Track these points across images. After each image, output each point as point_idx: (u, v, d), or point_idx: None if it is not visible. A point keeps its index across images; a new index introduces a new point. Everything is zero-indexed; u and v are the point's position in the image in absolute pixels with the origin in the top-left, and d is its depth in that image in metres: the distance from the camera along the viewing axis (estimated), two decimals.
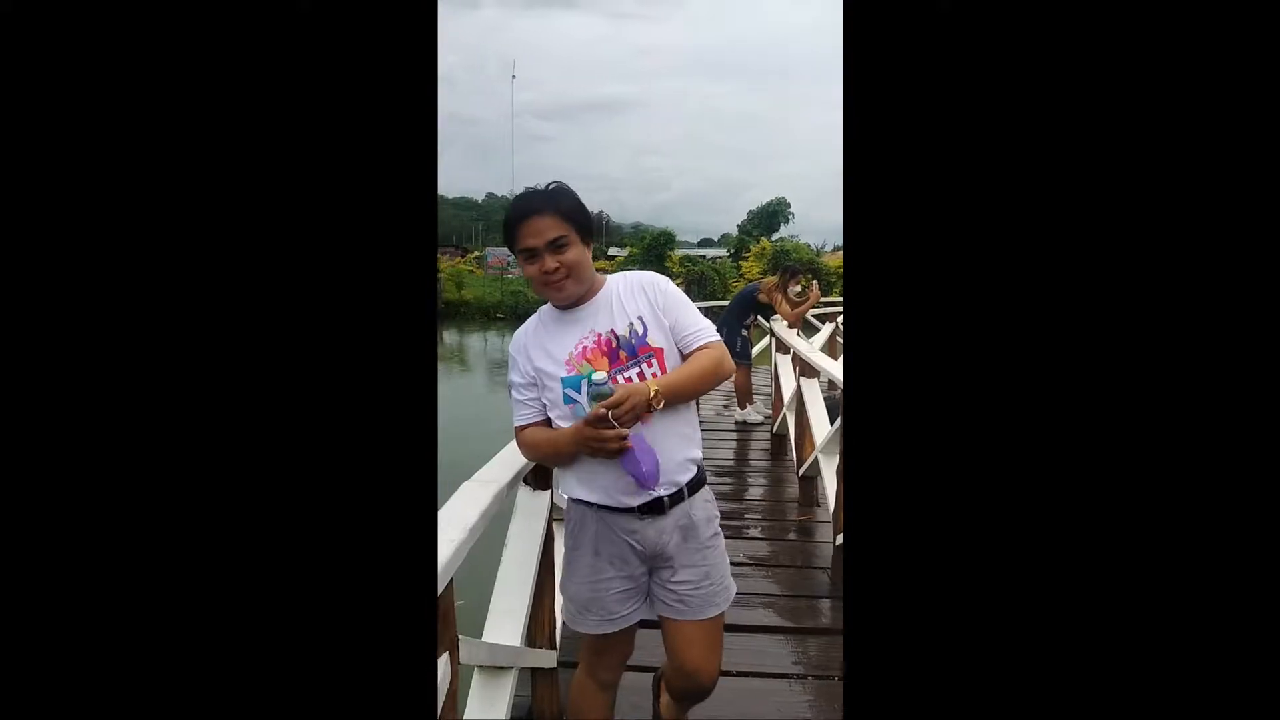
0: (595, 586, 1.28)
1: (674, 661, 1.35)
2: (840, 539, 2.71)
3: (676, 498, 1.25)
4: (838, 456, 2.85)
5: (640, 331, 1.23)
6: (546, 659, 1.75)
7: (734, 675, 1.96)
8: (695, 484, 1.28)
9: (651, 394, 1.15)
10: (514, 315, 21.87)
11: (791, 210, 39.14)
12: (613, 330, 1.22)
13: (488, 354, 17.10)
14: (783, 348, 4.70)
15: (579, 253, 1.22)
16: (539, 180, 1.27)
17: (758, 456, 4.52)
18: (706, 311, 1.41)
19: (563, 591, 1.36)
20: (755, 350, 5.65)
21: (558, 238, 1.19)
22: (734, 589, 1.35)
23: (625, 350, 1.22)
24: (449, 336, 19.77)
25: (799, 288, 5.09)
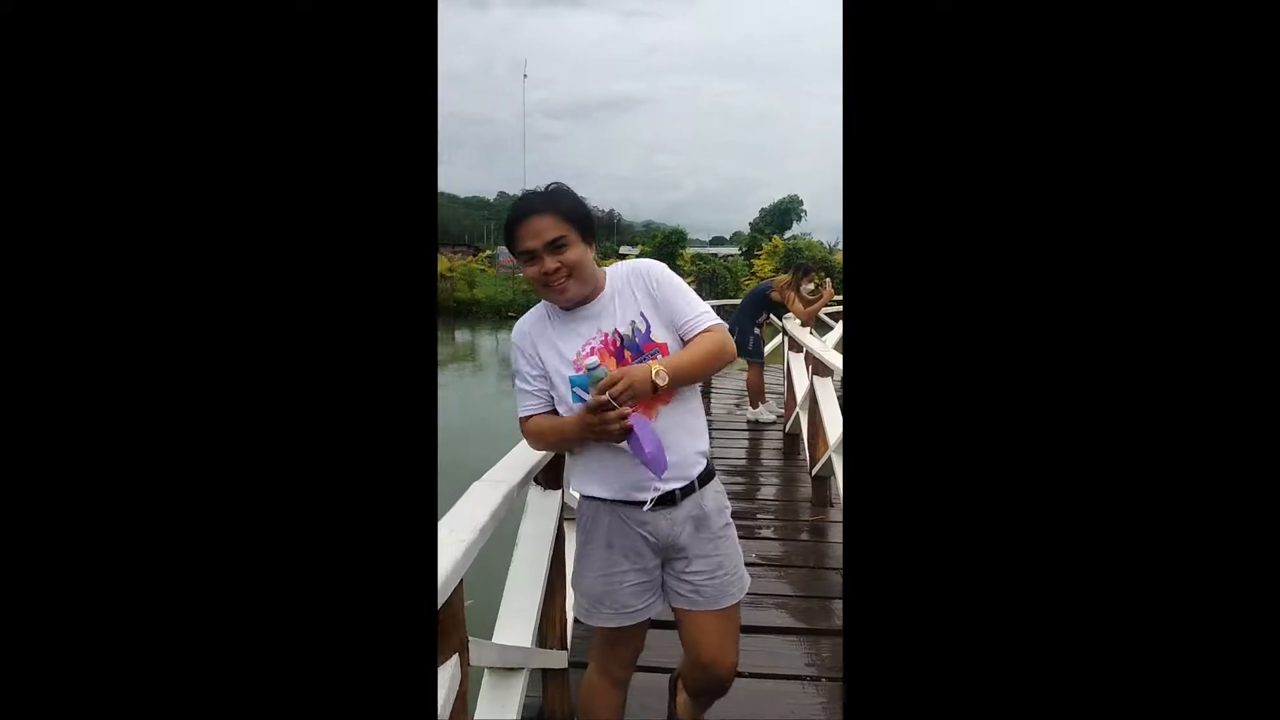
0: (609, 580, 1.28)
1: (691, 654, 1.34)
2: None
3: (688, 489, 1.25)
4: None
5: (643, 329, 1.23)
6: (558, 659, 1.74)
7: (746, 676, 1.94)
8: (705, 476, 1.28)
9: (654, 373, 1.13)
10: (524, 313, 21.90)
11: (804, 208, 39.05)
12: (616, 330, 1.22)
13: (499, 352, 17.14)
14: (795, 346, 4.67)
15: (580, 252, 1.20)
16: (551, 179, 1.27)
17: (770, 456, 4.49)
18: (718, 310, 1.40)
19: (575, 587, 1.36)
20: (767, 349, 5.62)
21: (557, 238, 1.18)
22: (748, 580, 1.34)
23: (630, 349, 1.22)
24: (460, 335, 19.86)
25: (812, 285, 5.06)
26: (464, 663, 1.03)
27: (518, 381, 1.29)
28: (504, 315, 22.70)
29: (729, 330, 1.29)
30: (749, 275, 24.91)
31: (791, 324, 4.96)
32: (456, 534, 1.04)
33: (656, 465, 1.15)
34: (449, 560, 0.96)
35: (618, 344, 1.22)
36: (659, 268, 1.27)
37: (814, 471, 3.68)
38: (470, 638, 1.07)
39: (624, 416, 1.12)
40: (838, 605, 2.47)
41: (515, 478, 1.37)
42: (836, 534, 3.06)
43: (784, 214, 38.68)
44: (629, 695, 1.44)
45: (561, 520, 1.76)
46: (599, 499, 1.27)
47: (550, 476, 1.71)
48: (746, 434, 4.98)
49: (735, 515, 1.39)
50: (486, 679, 1.44)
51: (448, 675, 0.97)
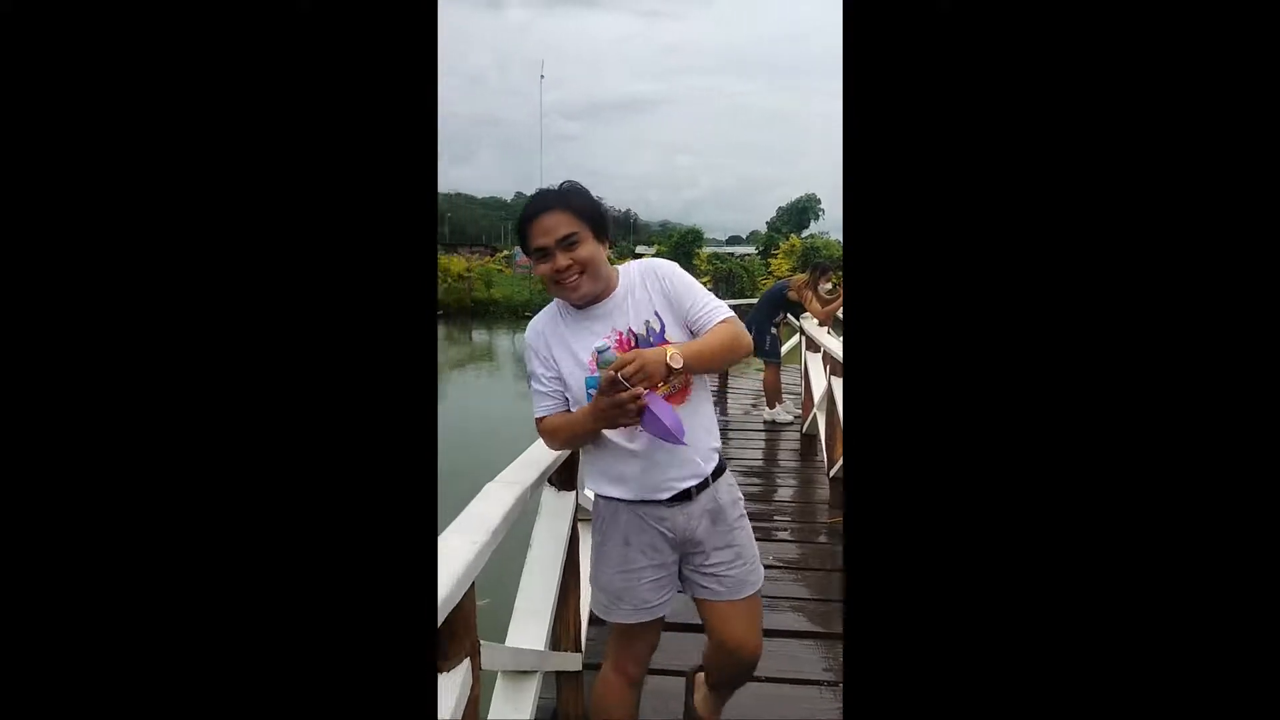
0: (627, 576, 1.28)
1: (715, 639, 1.36)
2: None
3: (703, 485, 1.27)
4: None
5: (657, 328, 1.22)
6: (572, 662, 1.72)
7: (762, 681, 1.91)
8: (718, 470, 1.30)
9: (669, 355, 1.13)
10: None
11: (822, 207, 38.78)
12: (630, 329, 1.22)
13: (516, 352, 17.21)
14: (813, 346, 4.62)
15: (591, 249, 1.20)
16: (567, 179, 1.25)
17: (787, 457, 4.45)
18: (735, 309, 1.39)
19: (594, 583, 1.36)
20: (785, 348, 5.58)
21: (568, 235, 1.18)
22: (763, 572, 1.37)
23: (644, 348, 1.21)
24: (478, 335, 19.97)
25: (830, 285, 5.01)
26: (475, 667, 1.01)
27: (533, 382, 1.29)
28: (520, 315, 22.78)
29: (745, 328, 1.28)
30: (766, 275, 24.79)
31: (809, 324, 4.92)
32: (468, 536, 1.03)
33: (677, 435, 1.14)
34: (460, 563, 0.94)
35: (632, 343, 1.22)
36: (671, 266, 1.27)
37: (831, 473, 3.64)
38: (482, 641, 1.05)
39: (637, 396, 1.11)
40: None
41: (529, 478, 1.36)
42: None
43: (801, 213, 38.48)
44: (641, 697, 1.43)
45: (576, 521, 1.74)
46: (616, 499, 1.27)
47: (564, 477, 1.70)
48: (763, 435, 4.94)
49: (752, 517, 1.40)
50: (500, 682, 1.43)
51: (459, 679, 0.95)
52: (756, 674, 1.41)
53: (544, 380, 1.27)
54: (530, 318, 1.36)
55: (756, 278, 24.68)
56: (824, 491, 3.66)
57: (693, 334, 1.24)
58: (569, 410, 1.27)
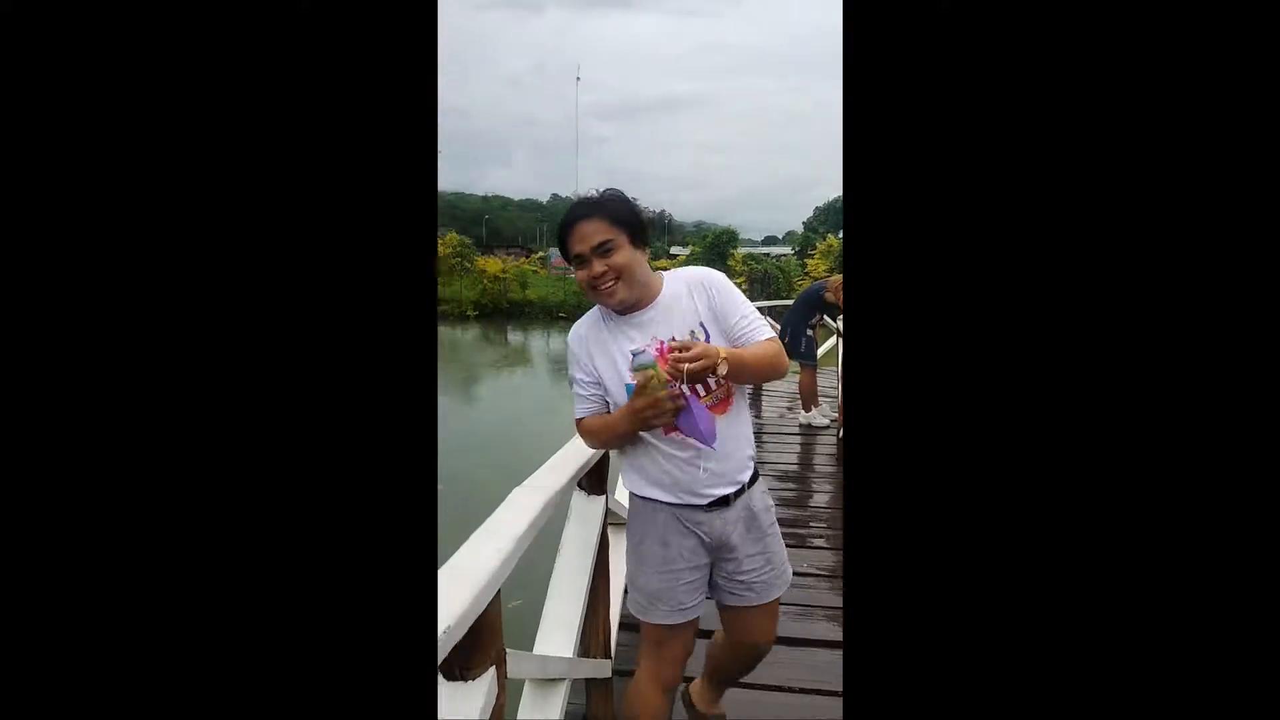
0: (666, 577, 1.30)
1: (735, 639, 1.42)
2: None
3: (739, 491, 1.29)
4: None
5: (702, 339, 1.23)
6: (601, 669, 1.70)
7: (794, 692, 1.87)
8: (752, 478, 1.33)
9: (721, 357, 1.14)
10: (576, 314, 21.98)
11: None
12: (674, 338, 1.22)
13: (550, 353, 17.32)
14: None
15: (628, 255, 1.21)
16: (603, 180, 1.28)
17: (823, 462, 4.37)
18: (769, 311, 1.40)
19: (632, 583, 1.37)
20: (821, 351, 5.49)
21: (603, 242, 1.19)
22: (790, 571, 1.41)
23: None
24: (513, 336, 20.15)
25: None
26: (501, 675, 1.00)
27: (574, 386, 1.32)
28: (555, 316, 22.96)
29: (780, 332, 1.27)
30: (802, 275, 24.52)
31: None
32: (494, 543, 1.01)
33: (709, 437, 1.16)
34: (485, 571, 0.93)
35: (674, 351, 1.20)
36: (721, 278, 1.28)
37: None
38: (509, 650, 1.04)
39: (677, 395, 1.13)
40: None
41: (558, 483, 1.34)
42: None
43: (839, 213, 37.98)
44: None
45: (606, 526, 1.72)
46: (654, 500, 1.29)
47: (594, 481, 1.68)
48: (799, 439, 4.86)
49: (786, 523, 1.44)
50: (527, 689, 1.41)
51: (484, 688, 0.94)
52: (788, 684, 1.39)
53: (583, 384, 1.29)
54: (564, 318, 1.37)
55: (793, 279, 24.42)
56: None
57: (734, 344, 1.25)
58: (608, 412, 1.29)
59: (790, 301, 6.26)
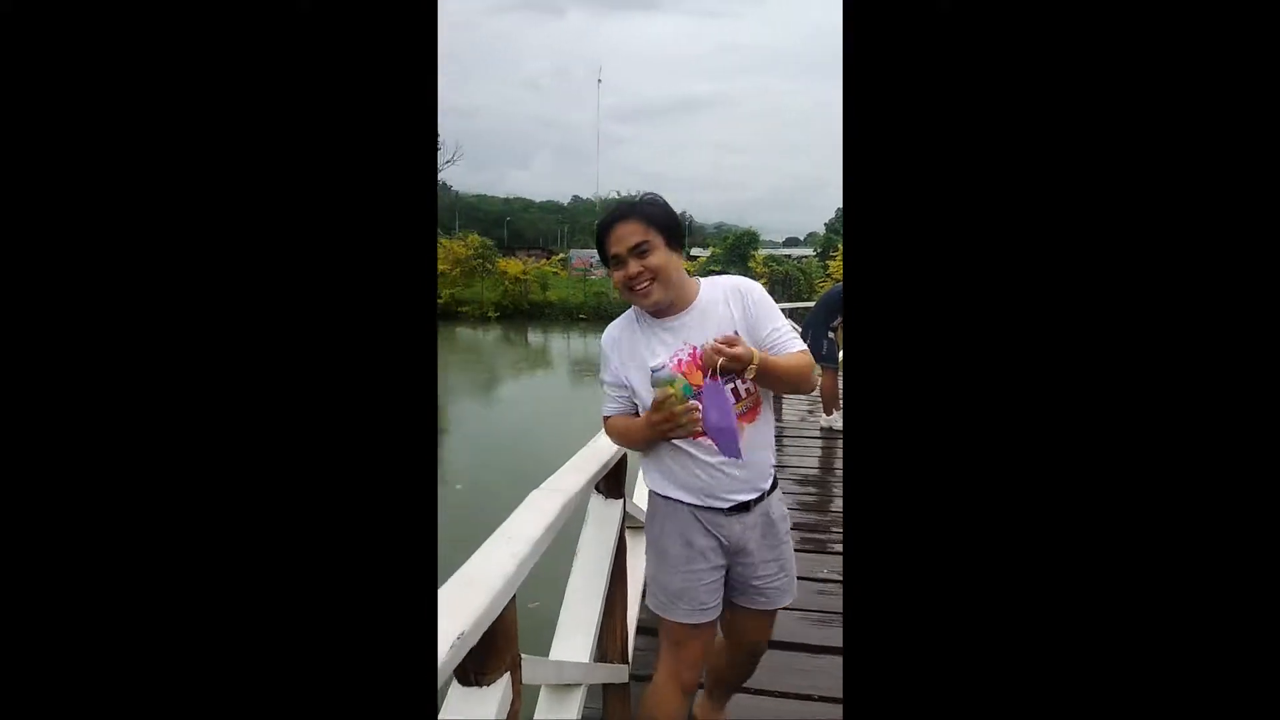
0: (688, 576, 1.32)
1: (737, 640, 1.46)
2: None
3: (759, 498, 1.32)
4: None
5: None
6: (619, 674, 1.69)
7: (814, 700, 1.85)
8: (773, 484, 1.36)
9: (755, 360, 1.17)
10: (596, 316, 22.14)
11: None
12: (705, 345, 1.22)
13: (570, 354, 17.36)
14: None
15: (664, 258, 1.23)
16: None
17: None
18: (792, 313, 1.39)
19: (653, 581, 1.38)
20: (842, 354, 5.43)
21: (640, 243, 1.21)
22: (795, 579, 1.44)
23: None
24: (534, 337, 20.24)
25: None
26: (516, 681, 0.99)
27: (604, 387, 1.36)
28: (575, 317, 23.01)
29: (801, 334, 1.26)
30: (824, 277, 24.26)
31: None
32: (509, 547, 1.01)
33: (732, 438, 1.19)
34: (500, 576, 0.92)
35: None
36: (759, 289, 1.30)
37: None
38: (525, 655, 1.03)
39: (694, 410, 1.17)
40: None
41: (575, 486, 1.33)
42: None
43: None
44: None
45: (623, 529, 1.71)
46: (676, 500, 1.31)
47: (612, 484, 1.67)
48: (820, 443, 4.81)
49: (806, 528, 1.45)
50: (543, 695, 1.40)
51: (498, 694, 0.93)
52: (808, 692, 1.48)
53: (612, 385, 1.34)
54: (584, 320, 1.40)
55: (814, 280, 24.22)
56: None
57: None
58: (635, 411, 1.33)
59: (812, 303, 6.20)
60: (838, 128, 0.62)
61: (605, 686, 1.68)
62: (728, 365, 1.15)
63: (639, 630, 2.05)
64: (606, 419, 1.38)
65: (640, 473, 2.38)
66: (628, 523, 1.73)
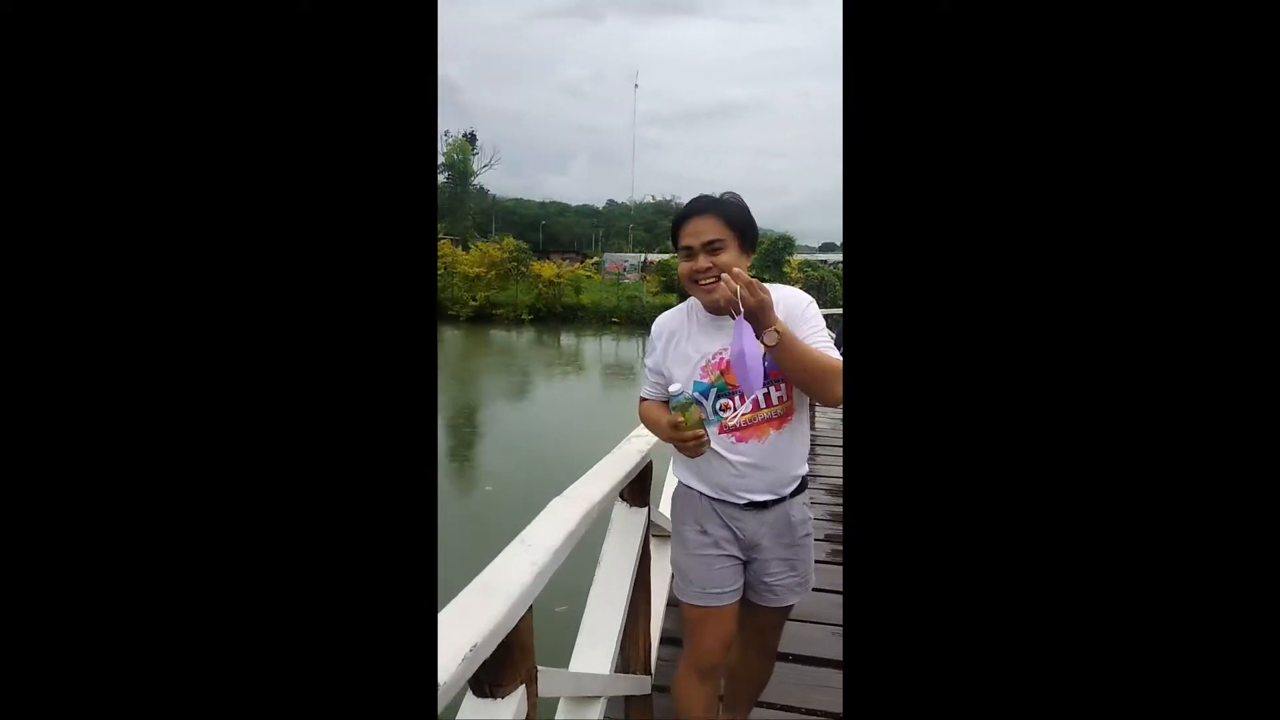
0: (700, 560, 1.35)
1: (747, 634, 1.46)
2: None
3: (779, 500, 1.33)
4: None
5: None
6: (640, 685, 1.66)
7: (837, 717, 1.79)
8: (797, 489, 1.36)
9: (774, 326, 1.15)
10: (629, 320, 22.17)
11: None
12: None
13: (602, 358, 17.41)
14: None
15: (733, 258, 1.24)
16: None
17: None
18: (826, 319, 1.35)
19: (674, 564, 1.42)
20: None
21: (714, 240, 1.24)
22: (813, 581, 1.44)
23: (761, 361, 1.25)
24: (566, 339, 20.35)
25: None
26: (532, 694, 0.96)
27: (645, 370, 1.41)
28: (607, 321, 23.06)
29: (837, 341, 1.22)
30: None
31: None
32: (528, 556, 0.99)
33: (754, 379, 1.17)
34: (517, 586, 0.90)
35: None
36: (809, 301, 1.31)
37: None
38: (542, 667, 1.01)
39: (700, 439, 1.23)
40: None
41: (598, 494, 1.31)
42: None
43: None
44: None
45: (648, 538, 1.68)
46: (695, 490, 1.36)
47: (636, 492, 1.64)
48: None
49: (836, 539, 1.44)
50: (562, 705, 1.38)
51: (513, 707, 0.91)
52: (839, 712, 1.41)
53: (651, 370, 1.39)
54: (617, 324, 1.41)
55: None
56: None
57: None
58: (668, 402, 1.34)
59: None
60: None
61: (627, 698, 1.65)
62: (747, 301, 1.13)
63: (663, 640, 2.02)
64: (642, 400, 1.42)
65: (666, 478, 2.36)
66: (652, 531, 1.70)
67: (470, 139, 41.97)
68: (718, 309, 1.27)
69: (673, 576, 1.99)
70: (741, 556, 1.36)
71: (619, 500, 1.61)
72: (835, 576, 2.37)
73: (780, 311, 1.25)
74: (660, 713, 1.73)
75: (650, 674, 1.74)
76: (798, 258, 27.45)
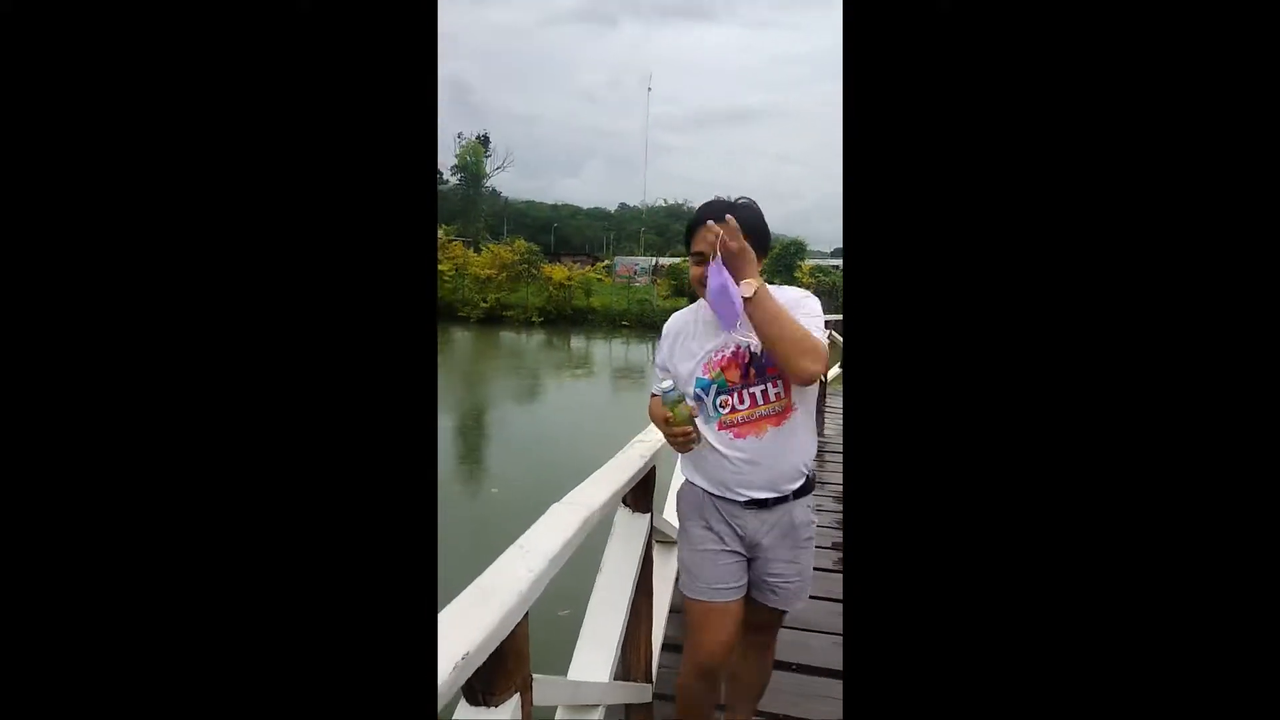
0: (702, 555, 1.38)
1: (746, 631, 1.45)
2: None
3: (780, 499, 1.34)
4: None
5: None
6: (641, 693, 1.65)
7: None
8: (801, 490, 1.36)
9: (749, 281, 1.19)
10: (639, 323, 22.16)
11: None
12: (749, 347, 1.29)
13: (613, 361, 17.40)
14: None
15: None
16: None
17: None
18: (837, 325, 1.37)
19: (679, 561, 1.45)
20: None
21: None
22: (810, 587, 1.45)
23: (754, 368, 1.30)
24: (576, 342, 20.36)
25: None
26: (526, 703, 0.95)
27: (656, 368, 1.44)
28: (617, 324, 23.06)
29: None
30: None
31: None
32: (524, 563, 0.97)
33: (730, 317, 1.21)
34: (513, 593, 0.89)
35: (747, 358, 1.30)
36: (811, 300, 1.32)
37: None
38: (536, 675, 1.00)
39: (689, 435, 1.26)
40: None
41: (597, 500, 1.29)
42: None
43: None
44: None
45: (650, 544, 1.67)
46: (701, 488, 1.38)
47: (639, 497, 1.63)
48: None
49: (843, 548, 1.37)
50: (560, 715, 1.36)
51: (507, 715, 0.90)
52: None
53: (660, 368, 1.42)
54: (627, 327, 1.46)
55: None
56: None
57: None
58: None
59: None
60: None
61: (627, 707, 1.64)
62: (727, 245, 1.18)
63: (665, 647, 2.01)
64: (652, 396, 1.44)
65: (671, 483, 2.34)
66: (656, 537, 1.69)
67: (484, 141, 42.15)
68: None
69: (676, 581, 2.01)
70: (745, 553, 1.38)
71: (621, 505, 1.60)
72: (838, 585, 2.35)
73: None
74: None
75: (651, 682, 1.73)
76: (809, 263, 27.34)
